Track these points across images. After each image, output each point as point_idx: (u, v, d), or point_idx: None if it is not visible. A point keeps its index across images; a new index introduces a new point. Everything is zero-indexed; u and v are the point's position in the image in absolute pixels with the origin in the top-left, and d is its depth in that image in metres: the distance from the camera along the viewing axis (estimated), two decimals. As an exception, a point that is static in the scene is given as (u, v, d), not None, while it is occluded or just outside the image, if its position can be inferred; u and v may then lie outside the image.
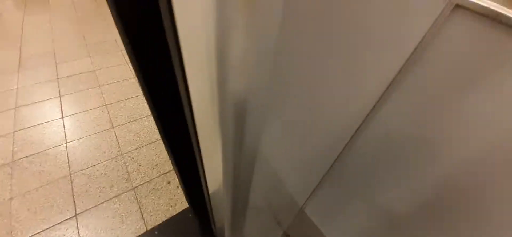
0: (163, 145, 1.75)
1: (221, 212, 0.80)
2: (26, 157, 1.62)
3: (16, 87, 2.13)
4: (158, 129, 0.60)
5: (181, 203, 1.47)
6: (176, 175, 0.72)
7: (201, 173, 0.67)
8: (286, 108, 0.44)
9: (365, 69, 0.40)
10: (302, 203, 0.89)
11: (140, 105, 2.06)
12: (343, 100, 0.46)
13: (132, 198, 1.47)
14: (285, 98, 0.42)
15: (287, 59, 0.36)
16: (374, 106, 0.49)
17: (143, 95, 2.06)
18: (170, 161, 1.66)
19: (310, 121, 0.50)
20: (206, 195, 0.78)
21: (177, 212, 1.43)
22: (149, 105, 0.53)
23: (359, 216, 0.73)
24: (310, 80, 0.40)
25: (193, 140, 0.55)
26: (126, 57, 2.59)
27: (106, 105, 2.04)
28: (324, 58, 0.36)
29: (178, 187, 1.54)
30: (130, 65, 2.49)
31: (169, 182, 1.57)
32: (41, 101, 2.03)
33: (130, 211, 1.41)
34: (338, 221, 0.81)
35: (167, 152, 0.65)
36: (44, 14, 3.30)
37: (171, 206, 1.46)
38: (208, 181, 0.66)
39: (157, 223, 1.38)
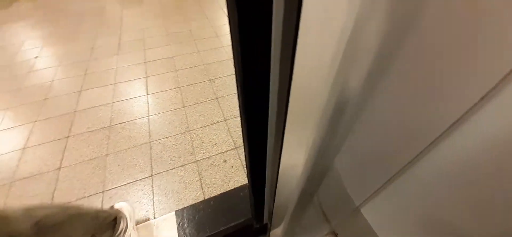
0: (222, 127, 1.90)
1: (280, 195, 0.82)
2: (120, 123, 1.97)
3: (115, 67, 2.56)
4: (241, 106, 0.56)
5: (233, 182, 1.60)
6: (245, 152, 0.72)
7: (272, 156, 0.68)
8: (369, 104, 0.43)
9: (460, 75, 0.37)
10: (359, 203, 0.86)
11: (207, 90, 2.26)
12: (426, 105, 0.43)
13: (195, 169, 1.66)
14: (371, 95, 0.41)
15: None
16: (458, 119, 0.44)
17: (209, 82, 2.24)
18: (228, 142, 1.81)
19: (388, 119, 0.47)
20: (269, 177, 0.80)
21: (230, 188, 1.57)
22: (238, 80, 0.50)
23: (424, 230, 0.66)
24: (396, 79, 0.38)
25: (279, 123, 0.55)
26: (198, 46, 2.85)
27: (179, 87, 2.30)
28: (413, 59, 0.35)
29: (232, 166, 1.68)
30: (200, 53, 2.74)
31: (225, 161, 1.72)
32: (132, 80, 2.40)
33: (192, 180, 1.60)
34: (399, 227, 0.76)
35: (242, 129, 0.63)
36: (138, 8, 3.82)
37: (226, 182, 1.60)
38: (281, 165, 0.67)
39: (213, 195, 1.54)
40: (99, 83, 2.35)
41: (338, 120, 0.47)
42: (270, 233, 1.20)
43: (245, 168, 1.66)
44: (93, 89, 2.30)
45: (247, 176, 0.92)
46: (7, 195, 1.52)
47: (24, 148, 1.78)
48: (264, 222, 1.19)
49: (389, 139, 0.52)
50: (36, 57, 2.74)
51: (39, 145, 1.81)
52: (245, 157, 0.80)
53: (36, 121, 1.99)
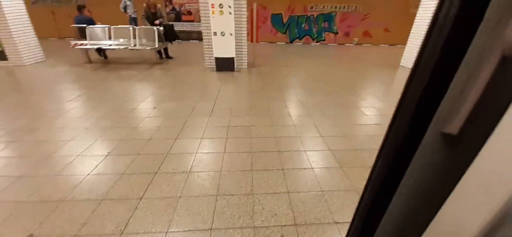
0: (284, 199, 1.66)
1: None
2: (197, 171, 1.96)
3: (205, 126, 2.75)
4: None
5: (289, 263, 1.28)
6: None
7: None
8: None
9: None
10: None
11: (275, 160, 2.13)
12: None
13: (251, 235, 1.42)
14: None
15: None
16: None
17: (278, 152, 2.10)
18: (288, 216, 1.54)
19: None
20: None
21: (284, 270, 1.25)
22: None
23: None
24: None
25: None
26: (273, 121, 2.87)
27: (251, 152, 2.25)
28: None
29: (290, 245, 1.38)
30: (274, 127, 2.72)
31: (282, 236, 1.43)
32: (215, 138, 2.50)
33: (247, 247, 1.36)
34: None
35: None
36: (232, 86, 4.30)
37: (280, 261, 1.30)
38: None
39: (265, 271, 1.24)
40: (190, 136, 2.52)
41: None
42: None
43: (304, 252, 1.33)
44: (185, 139, 2.46)
45: None
46: (95, 210, 1.57)
47: (122, 174, 1.91)
48: None
49: None
50: (154, 107, 3.23)
51: (133, 173, 1.92)
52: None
53: (138, 154, 2.18)
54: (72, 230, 1.42)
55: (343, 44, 9.97)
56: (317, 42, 10.04)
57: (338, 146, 2.39)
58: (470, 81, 0.31)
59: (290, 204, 1.66)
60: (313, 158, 2.19)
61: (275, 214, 1.58)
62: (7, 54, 5.35)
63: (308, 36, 9.97)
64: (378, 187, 0.47)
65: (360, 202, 0.53)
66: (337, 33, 9.91)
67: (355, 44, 9.96)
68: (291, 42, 10.02)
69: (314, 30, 9.85)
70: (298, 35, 9.95)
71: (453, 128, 0.33)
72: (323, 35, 9.95)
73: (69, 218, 1.51)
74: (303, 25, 9.75)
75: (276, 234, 1.45)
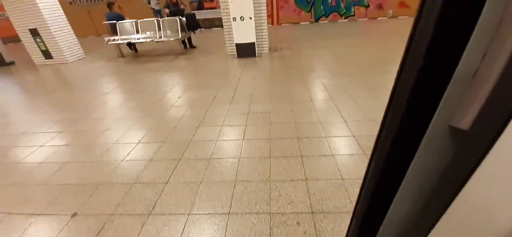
0: (302, 186, 1.67)
1: None
2: (217, 158, 2.06)
3: (226, 113, 2.83)
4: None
5: (304, 248, 1.32)
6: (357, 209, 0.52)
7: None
8: None
9: None
10: None
11: (294, 147, 2.13)
12: None
13: (267, 221, 1.48)
14: None
15: None
16: None
17: (297, 139, 2.09)
18: (305, 204, 1.55)
19: None
20: None
21: (299, 255, 1.29)
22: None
23: None
24: None
25: None
26: (293, 106, 2.84)
27: (270, 139, 2.27)
28: None
29: (305, 232, 1.40)
30: (294, 113, 2.70)
31: (298, 223, 1.46)
32: (235, 125, 2.57)
33: (263, 232, 1.42)
34: None
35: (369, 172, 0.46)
36: (253, 72, 4.30)
37: (295, 246, 1.34)
38: None
39: (279, 255, 1.29)
40: (212, 123, 2.63)
41: None
42: None
43: (319, 239, 1.35)
44: (207, 127, 2.58)
45: None
46: (127, 192, 1.76)
47: (150, 160, 2.10)
48: None
49: None
50: (179, 97, 3.41)
51: (160, 160, 2.09)
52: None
53: (164, 142, 2.35)
54: (108, 209, 1.63)
55: (375, 18, 9.20)
56: (345, 18, 9.42)
57: (362, 131, 2.29)
58: (485, 59, 0.23)
59: (308, 191, 1.67)
60: (334, 145, 2.14)
61: (292, 201, 1.61)
62: (51, 53, 6.01)
63: (335, 13, 9.38)
64: (373, 192, 0.43)
65: (355, 208, 0.51)
66: (368, 6, 9.15)
67: (390, 17, 9.12)
68: (316, 21, 9.54)
69: (342, 5, 9.22)
70: (324, 13, 9.42)
71: (466, 121, 0.27)
72: (352, 9, 9.27)
73: (106, 199, 1.72)
74: (329, 0, 9.18)
75: (292, 221, 1.48)
